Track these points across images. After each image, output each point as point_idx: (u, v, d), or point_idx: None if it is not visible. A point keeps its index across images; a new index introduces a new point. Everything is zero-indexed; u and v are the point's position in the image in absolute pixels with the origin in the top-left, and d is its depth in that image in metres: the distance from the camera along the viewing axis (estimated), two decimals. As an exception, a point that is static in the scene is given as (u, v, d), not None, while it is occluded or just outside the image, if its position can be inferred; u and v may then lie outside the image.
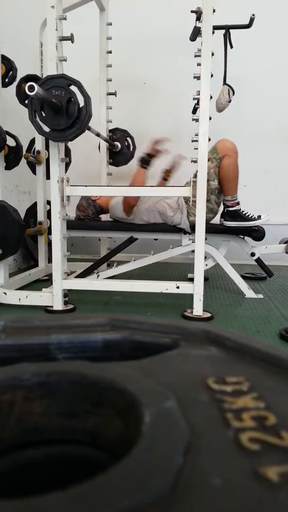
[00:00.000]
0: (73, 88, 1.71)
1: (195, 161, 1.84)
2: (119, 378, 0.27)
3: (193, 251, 1.96)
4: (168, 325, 0.37)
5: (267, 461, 0.19)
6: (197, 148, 1.83)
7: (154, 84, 3.61)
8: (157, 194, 2.10)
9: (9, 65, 2.15)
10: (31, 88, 1.54)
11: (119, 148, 2.87)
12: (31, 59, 2.58)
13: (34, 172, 2.66)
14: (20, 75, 2.27)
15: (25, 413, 0.28)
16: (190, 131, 2.30)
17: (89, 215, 2.48)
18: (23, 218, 2.62)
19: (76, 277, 2.33)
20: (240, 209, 2.34)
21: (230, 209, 2.34)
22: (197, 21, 1.98)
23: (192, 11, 1.97)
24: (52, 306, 1.95)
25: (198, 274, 1.87)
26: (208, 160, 2.23)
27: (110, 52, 2.69)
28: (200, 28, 1.82)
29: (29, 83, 1.54)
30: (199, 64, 1.77)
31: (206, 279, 2.51)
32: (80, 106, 1.71)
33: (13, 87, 2.33)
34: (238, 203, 2.34)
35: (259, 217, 2.33)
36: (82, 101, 1.72)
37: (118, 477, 0.18)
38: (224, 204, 2.38)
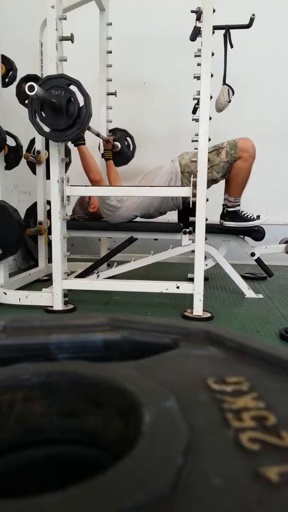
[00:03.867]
0: (73, 88, 1.71)
1: (195, 161, 1.84)
2: (119, 378, 0.27)
3: (193, 251, 1.96)
4: (168, 325, 0.37)
5: (267, 461, 0.19)
6: (197, 148, 1.83)
7: (154, 84, 3.61)
8: (157, 194, 2.10)
9: (9, 65, 2.15)
10: (31, 88, 1.54)
11: (119, 148, 2.87)
12: (31, 59, 2.58)
13: (34, 172, 2.66)
14: (20, 75, 2.27)
15: (25, 413, 0.28)
16: (190, 131, 2.30)
17: (85, 218, 2.49)
18: (23, 218, 2.62)
19: (76, 277, 2.33)
20: (239, 210, 2.34)
21: (230, 209, 2.34)
22: (197, 21, 1.98)
23: (192, 11, 1.96)
24: (52, 306, 1.95)
25: (198, 274, 1.87)
26: (225, 150, 2.19)
27: (110, 52, 2.69)
28: (200, 28, 1.82)
29: (29, 83, 1.54)
30: (199, 64, 1.77)
31: (206, 279, 2.51)
32: (80, 105, 1.71)
33: (13, 87, 2.33)
34: (238, 205, 2.34)
35: (258, 217, 2.32)
36: (82, 100, 1.72)
37: (118, 477, 0.18)
38: (224, 204, 2.38)
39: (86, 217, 2.49)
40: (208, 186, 2.31)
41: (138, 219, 2.41)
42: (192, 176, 2.12)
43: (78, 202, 2.54)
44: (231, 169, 2.24)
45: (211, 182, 2.29)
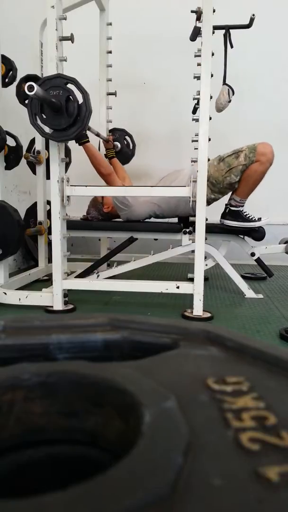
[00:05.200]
0: (71, 86, 1.71)
1: (195, 161, 1.84)
2: (119, 378, 0.27)
3: (193, 251, 1.96)
4: (168, 325, 0.37)
5: (267, 461, 0.19)
6: (197, 148, 1.83)
7: (154, 84, 3.61)
8: (157, 194, 2.10)
9: (9, 65, 2.15)
10: (31, 88, 1.54)
11: (119, 147, 2.87)
12: (31, 59, 2.58)
13: (34, 172, 2.66)
14: (20, 75, 2.27)
15: (25, 413, 0.28)
16: (190, 131, 2.30)
17: (98, 218, 2.49)
18: (23, 218, 2.62)
19: (76, 277, 2.33)
20: (242, 210, 2.34)
21: (233, 208, 2.34)
22: (197, 21, 1.98)
23: (192, 11, 1.97)
24: (52, 306, 1.95)
25: (198, 274, 1.87)
26: (243, 153, 2.20)
27: (110, 52, 2.69)
28: (200, 28, 1.82)
29: (28, 83, 1.54)
30: (199, 64, 1.77)
31: (206, 279, 2.51)
32: (79, 102, 1.71)
33: (13, 87, 2.33)
34: (242, 206, 2.34)
35: (259, 219, 2.33)
36: (81, 97, 1.71)
37: (118, 477, 0.18)
38: (228, 203, 2.38)
39: (99, 217, 2.48)
40: (226, 192, 2.33)
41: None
42: (211, 180, 2.14)
43: (91, 203, 2.52)
44: (246, 170, 2.23)
45: (229, 186, 2.29)
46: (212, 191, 2.27)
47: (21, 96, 2.44)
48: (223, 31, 2.49)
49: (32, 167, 2.67)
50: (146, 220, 2.44)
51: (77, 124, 1.73)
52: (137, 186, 2.24)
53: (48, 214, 2.41)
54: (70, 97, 1.69)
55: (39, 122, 1.74)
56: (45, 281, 2.52)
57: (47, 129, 1.77)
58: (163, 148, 3.60)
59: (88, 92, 1.73)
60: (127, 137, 2.93)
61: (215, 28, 1.92)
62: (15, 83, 2.30)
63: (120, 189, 2.18)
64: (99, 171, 2.31)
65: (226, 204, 2.39)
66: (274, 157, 2.24)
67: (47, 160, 2.50)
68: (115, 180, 2.38)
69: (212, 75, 1.79)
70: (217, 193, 2.24)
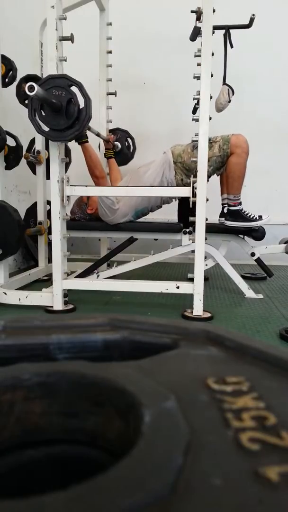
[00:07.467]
0: (74, 89, 1.71)
1: (195, 161, 1.84)
2: (119, 378, 0.27)
3: (193, 251, 1.96)
4: (168, 325, 0.37)
5: (267, 461, 0.19)
6: (196, 141, 1.83)
7: (154, 84, 3.61)
8: (157, 194, 2.10)
9: (9, 65, 2.15)
10: (31, 88, 1.54)
11: (119, 148, 2.87)
12: (31, 59, 2.58)
13: (34, 172, 2.66)
14: (20, 75, 2.27)
15: (25, 413, 0.28)
16: (190, 131, 2.30)
17: (85, 218, 2.48)
18: (23, 218, 2.62)
19: (76, 277, 2.33)
20: (241, 209, 2.34)
21: (232, 208, 2.33)
22: (197, 21, 1.98)
23: (192, 11, 1.97)
24: (52, 306, 1.95)
25: (198, 274, 1.87)
26: (218, 144, 2.19)
27: (110, 52, 2.69)
28: (200, 28, 1.82)
29: (29, 83, 1.54)
30: (199, 64, 1.77)
31: (206, 279, 2.51)
32: (80, 107, 1.71)
33: (13, 87, 2.33)
34: (240, 203, 2.33)
35: (260, 217, 2.32)
36: (83, 102, 1.72)
37: (118, 477, 0.18)
38: (225, 203, 2.38)
39: (86, 217, 2.48)
40: (189, 178, 2.30)
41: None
42: (185, 166, 2.13)
43: (76, 203, 2.52)
44: (226, 166, 2.23)
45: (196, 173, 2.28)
46: (187, 176, 2.24)
47: (21, 96, 2.44)
48: (223, 31, 2.49)
49: (32, 167, 2.67)
50: (146, 220, 2.44)
51: (75, 127, 1.73)
52: (136, 186, 2.24)
53: (48, 214, 2.41)
54: (72, 100, 1.69)
55: (37, 119, 1.74)
56: (45, 281, 2.52)
57: (45, 127, 1.77)
58: (163, 148, 3.59)
59: (89, 93, 1.73)
60: (128, 139, 2.93)
61: (215, 28, 1.92)
62: (15, 83, 2.30)
63: (119, 189, 2.18)
64: (93, 173, 2.30)
65: (222, 204, 2.39)
66: (249, 147, 2.22)
67: (47, 160, 2.49)
68: (106, 185, 2.37)
69: (212, 75, 1.79)
70: (192, 178, 2.21)
